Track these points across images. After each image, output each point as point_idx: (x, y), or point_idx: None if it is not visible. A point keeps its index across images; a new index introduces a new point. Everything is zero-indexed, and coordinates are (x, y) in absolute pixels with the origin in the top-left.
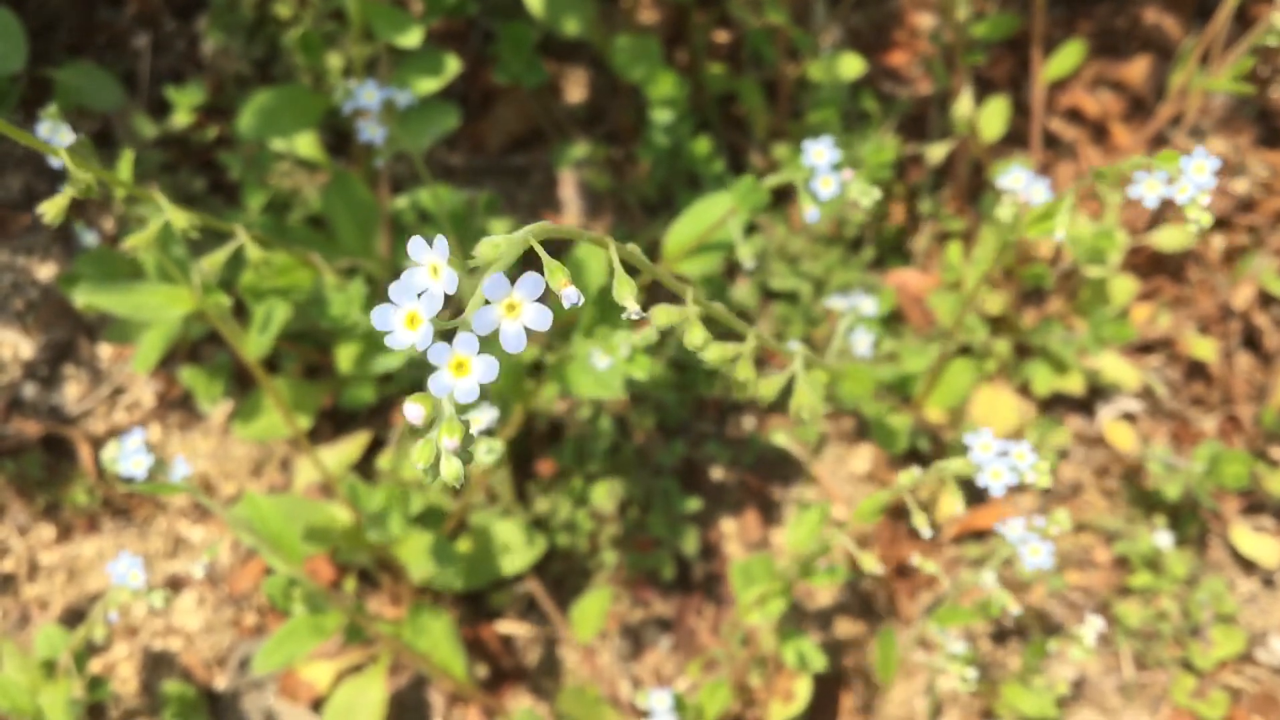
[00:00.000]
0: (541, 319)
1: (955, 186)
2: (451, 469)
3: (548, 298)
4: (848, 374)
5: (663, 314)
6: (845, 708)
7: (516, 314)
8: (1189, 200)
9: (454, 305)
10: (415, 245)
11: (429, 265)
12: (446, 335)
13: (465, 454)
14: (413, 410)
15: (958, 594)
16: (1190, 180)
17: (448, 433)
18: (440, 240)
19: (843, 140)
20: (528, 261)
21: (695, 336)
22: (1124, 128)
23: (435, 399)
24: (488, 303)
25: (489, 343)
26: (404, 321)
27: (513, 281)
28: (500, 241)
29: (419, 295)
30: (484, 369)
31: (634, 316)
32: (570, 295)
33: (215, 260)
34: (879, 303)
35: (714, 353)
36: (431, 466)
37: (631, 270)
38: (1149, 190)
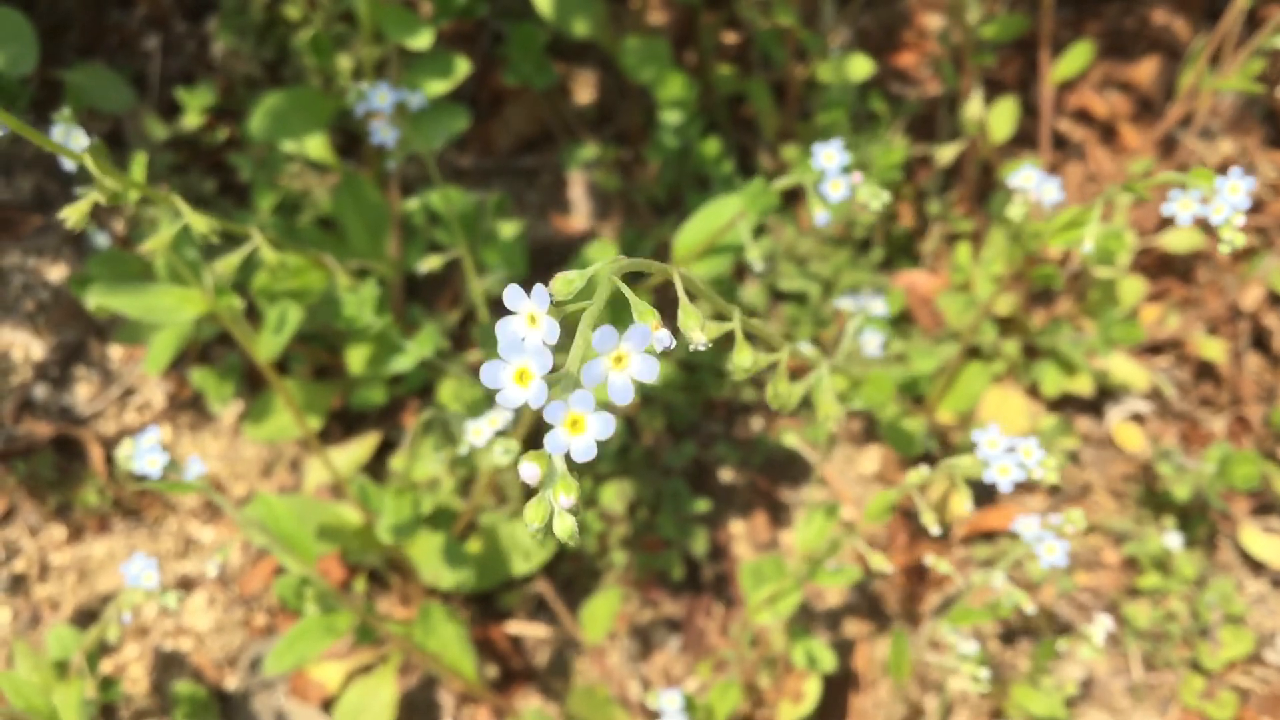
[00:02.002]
0: (648, 369)
1: (964, 188)
2: (565, 527)
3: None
4: (868, 380)
5: (707, 330)
6: (854, 708)
7: (624, 365)
8: (1224, 221)
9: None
10: (511, 294)
11: (526, 314)
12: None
13: (577, 509)
14: (528, 470)
15: (970, 594)
16: (1225, 200)
17: (564, 490)
18: (539, 289)
19: (851, 141)
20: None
21: (744, 358)
22: (1133, 128)
23: (549, 457)
24: (595, 355)
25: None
26: (513, 378)
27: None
28: (573, 277)
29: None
30: (600, 426)
31: (700, 348)
32: (663, 339)
33: (230, 263)
34: (888, 304)
35: (751, 366)
36: (545, 524)
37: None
38: (1182, 209)
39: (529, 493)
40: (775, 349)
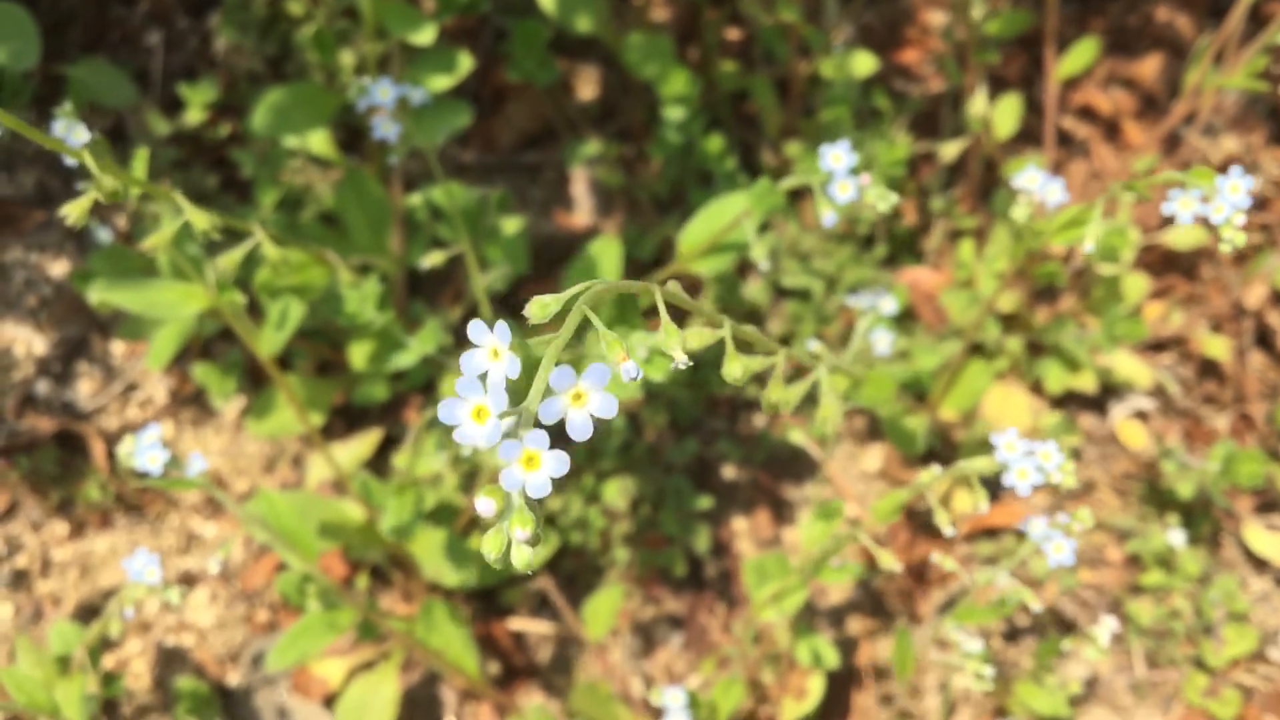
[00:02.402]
0: (608, 407)
1: (967, 184)
2: (523, 558)
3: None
4: (869, 379)
5: (696, 337)
6: (857, 706)
7: (583, 402)
8: (1224, 220)
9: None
10: (475, 329)
11: (489, 348)
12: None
13: (535, 539)
14: (484, 505)
15: (974, 592)
16: (1225, 200)
17: (519, 524)
18: (500, 326)
19: (855, 138)
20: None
21: (733, 369)
22: (1137, 126)
23: (505, 493)
24: (552, 392)
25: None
26: (471, 415)
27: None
28: (549, 301)
29: (482, 382)
30: (554, 464)
31: (681, 366)
32: (629, 370)
33: (232, 258)
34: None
35: (741, 377)
36: (502, 556)
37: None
38: (1183, 208)
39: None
40: (772, 354)
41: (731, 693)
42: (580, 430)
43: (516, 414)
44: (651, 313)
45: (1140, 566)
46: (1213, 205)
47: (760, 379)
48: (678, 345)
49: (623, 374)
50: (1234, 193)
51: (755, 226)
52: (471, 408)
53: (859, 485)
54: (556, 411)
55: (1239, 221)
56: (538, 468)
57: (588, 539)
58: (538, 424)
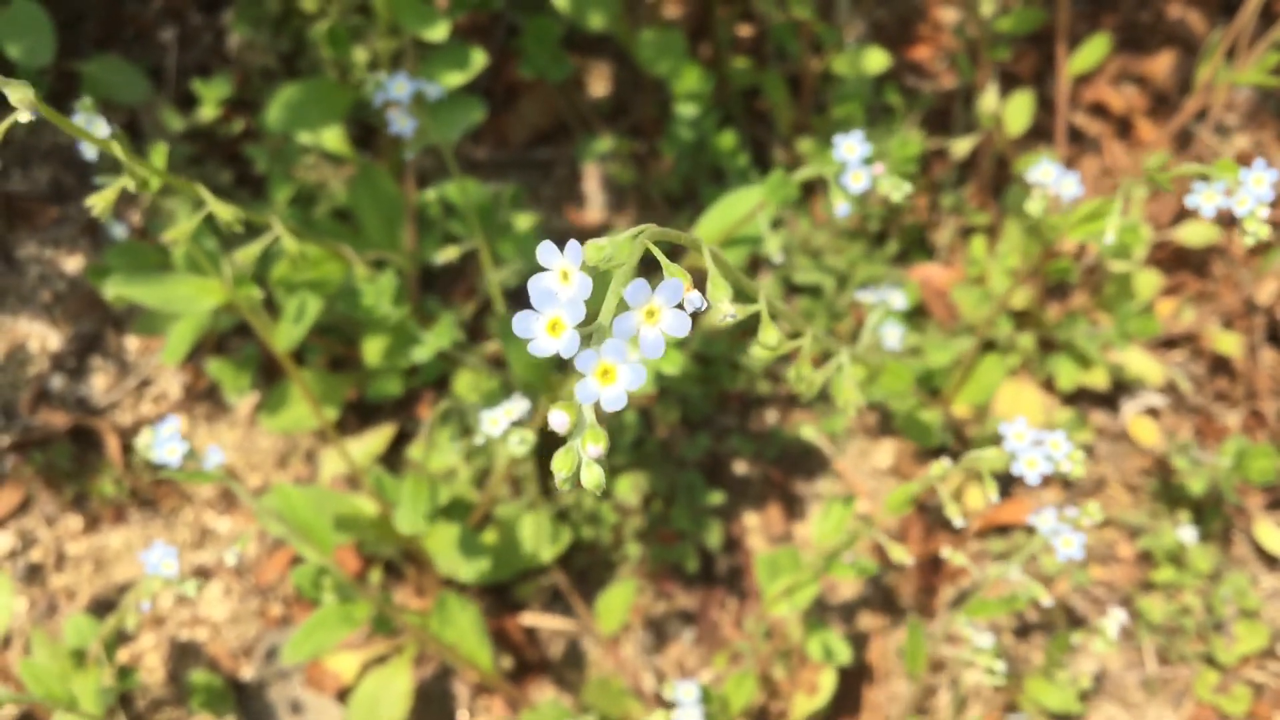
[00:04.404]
0: (680, 324)
1: (979, 181)
2: (593, 477)
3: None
4: (887, 369)
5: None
6: (869, 701)
7: (655, 320)
8: (1248, 213)
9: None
10: (545, 250)
11: (559, 270)
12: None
13: (604, 462)
14: (557, 418)
15: (985, 588)
16: (1249, 192)
17: (592, 440)
18: (572, 245)
19: (867, 135)
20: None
21: (770, 336)
22: (1148, 122)
23: (579, 407)
24: (627, 308)
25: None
26: (546, 328)
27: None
28: (605, 244)
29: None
30: (631, 376)
31: (729, 318)
32: (694, 300)
33: (250, 253)
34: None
35: (777, 345)
36: (573, 474)
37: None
38: (1206, 201)
39: (545, 485)
40: (800, 333)
41: (743, 688)
42: (653, 348)
43: (590, 331)
44: None
45: (1151, 563)
46: (1236, 198)
47: (772, 375)
48: (727, 298)
49: (688, 304)
50: (1258, 185)
51: (769, 219)
52: (547, 321)
53: (870, 481)
54: (630, 328)
55: (1263, 214)
56: (614, 381)
57: (600, 534)
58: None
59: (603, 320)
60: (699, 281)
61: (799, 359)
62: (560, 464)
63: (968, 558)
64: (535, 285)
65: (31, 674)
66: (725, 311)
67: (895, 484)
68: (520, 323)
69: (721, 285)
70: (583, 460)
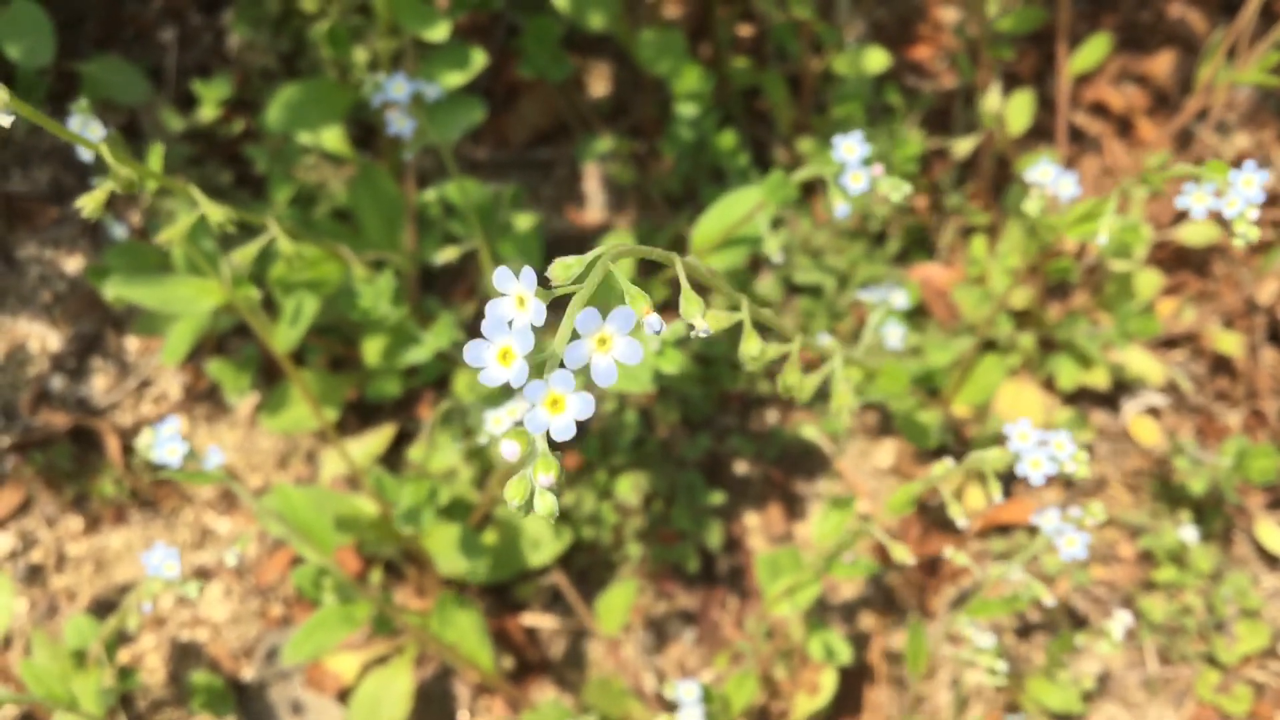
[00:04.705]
0: (632, 352)
1: (979, 181)
2: (546, 505)
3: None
4: (883, 371)
5: (714, 320)
6: (869, 701)
7: (608, 348)
8: (1237, 215)
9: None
10: (501, 275)
11: (515, 296)
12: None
13: (558, 489)
14: (508, 448)
15: (987, 587)
16: (1239, 194)
17: (543, 469)
18: (527, 271)
19: (867, 135)
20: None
21: (751, 346)
22: (1149, 122)
23: (529, 436)
24: (577, 336)
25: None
26: (497, 357)
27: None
28: (572, 262)
29: (509, 326)
30: (580, 406)
31: (702, 334)
32: (653, 323)
33: (247, 253)
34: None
35: (759, 355)
36: (525, 502)
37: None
38: (1197, 202)
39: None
40: (788, 340)
41: (744, 688)
42: (605, 376)
43: (541, 358)
44: (663, 307)
45: (1152, 563)
46: (1226, 199)
47: (772, 375)
48: (699, 314)
49: (646, 327)
50: (1247, 187)
51: (769, 219)
52: (497, 350)
53: (871, 481)
54: (581, 356)
55: (1252, 216)
56: (562, 410)
57: (600, 534)
58: (562, 368)
59: (555, 348)
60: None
61: (787, 367)
62: (513, 492)
63: (969, 558)
64: (491, 311)
65: (32, 675)
66: (699, 328)
67: (896, 484)
68: (472, 351)
69: (694, 301)
70: (535, 488)
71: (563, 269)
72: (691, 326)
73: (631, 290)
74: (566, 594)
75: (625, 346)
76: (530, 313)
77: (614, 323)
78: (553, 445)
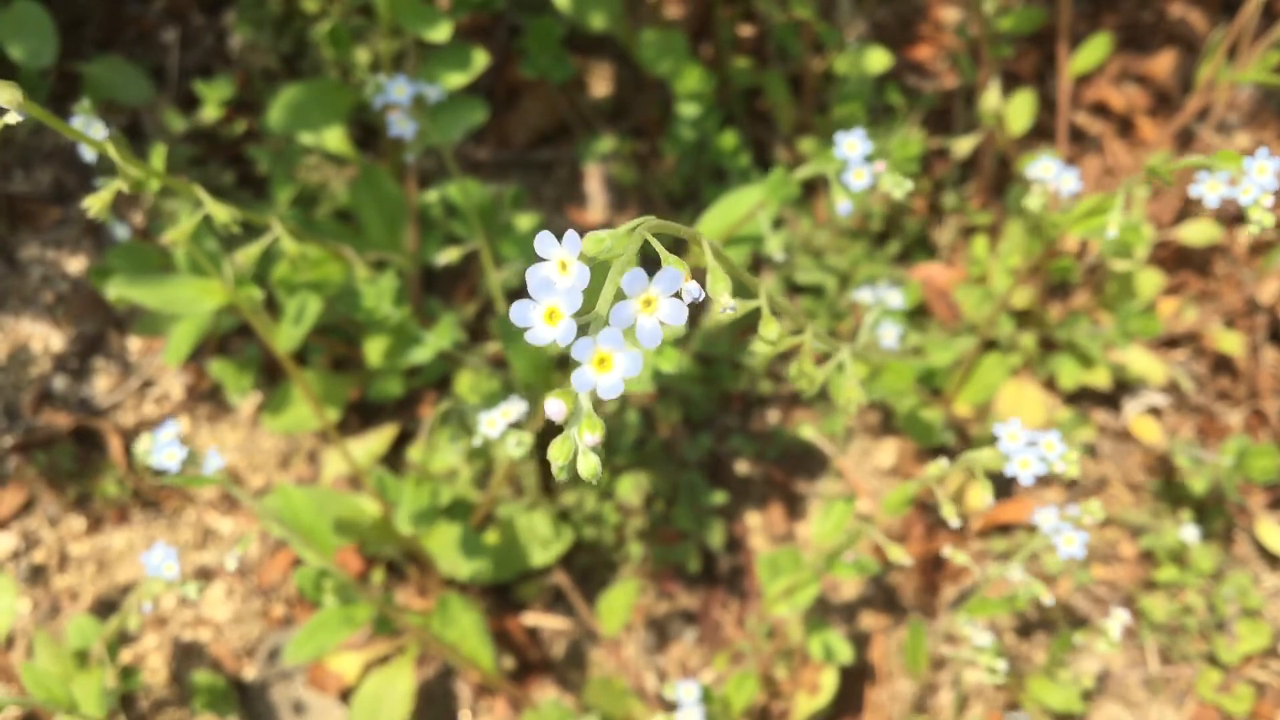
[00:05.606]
0: (677, 313)
1: (980, 180)
2: (589, 465)
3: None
4: (888, 368)
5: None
6: (870, 701)
7: (652, 309)
8: (1253, 201)
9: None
10: (544, 240)
11: (557, 260)
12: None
13: (600, 451)
14: (554, 406)
15: (987, 587)
16: (1253, 181)
17: (588, 429)
18: (570, 235)
19: (869, 135)
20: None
21: (769, 330)
22: (1150, 122)
23: (575, 394)
24: (623, 297)
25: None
26: (543, 317)
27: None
28: (604, 235)
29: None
30: (628, 364)
31: (729, 310)
32: (692, 290)
33: (250, 254)
34: (904, 296)
35: (776, 340)
36: (569, 463)
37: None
38: (1210, 191)
39: (546, 485)
40: (800, 330)
41: (745, 688)
42: (650, 337)
43: (587, 320)
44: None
45: (1153, 562)
46: (1240, 187)
47: (773, 374)
48: (726, 290)
49: (686, 294)
50: (1261, 174)
51: (770, 218)
52: (544, 310)
53: (872, 481)
54: (628, 317)
55: (1267, 203)
56: (610, 369)
57: (602, 534)
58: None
59: (600, 309)
60: (699, 277)
61: (800, 355)
62: (556, 452)
63: (969, 557)
64: (533, 275)
65: (33, 678)
66: (725, 304)
67: (897, 483)
68: (518, 311)
69: (721, 278)
70: (579, 449)
71: (594, 242)
72: (717, 305)
73: (670, 258)
74: (568, 594)
75: (671, 307)
76: (574, 276)
77: (660, 284)
78: (597, 406)
